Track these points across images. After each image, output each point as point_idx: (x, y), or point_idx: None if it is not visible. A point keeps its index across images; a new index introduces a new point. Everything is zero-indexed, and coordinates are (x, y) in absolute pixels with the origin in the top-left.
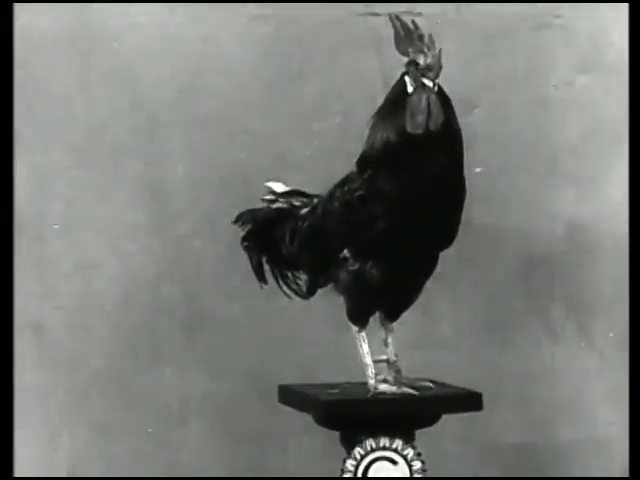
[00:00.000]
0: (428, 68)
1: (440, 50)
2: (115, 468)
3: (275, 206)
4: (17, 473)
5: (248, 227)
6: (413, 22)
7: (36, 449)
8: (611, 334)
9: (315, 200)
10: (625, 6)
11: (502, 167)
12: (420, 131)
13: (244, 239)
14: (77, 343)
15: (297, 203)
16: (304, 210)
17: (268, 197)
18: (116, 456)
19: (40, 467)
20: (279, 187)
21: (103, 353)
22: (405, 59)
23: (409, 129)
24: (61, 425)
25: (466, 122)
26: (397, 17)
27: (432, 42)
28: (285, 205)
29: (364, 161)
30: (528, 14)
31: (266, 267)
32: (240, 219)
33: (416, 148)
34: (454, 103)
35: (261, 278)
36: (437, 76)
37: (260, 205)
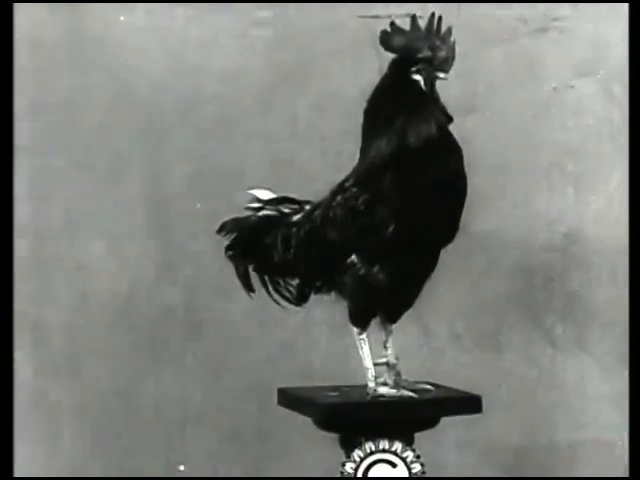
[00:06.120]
0: (445, 61)
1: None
2: (115, 468)
3: (262, 214)
4: (17, 473)
5: (233, 236)
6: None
7: (36, 449)
8: (609, 336)
9: (307, 207)
10: (625, 7)
11: (501, 170)
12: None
13: (228, 248)
14: (77, 343)
15: (286, 210)
16: (295, 217)
17: (254, 205)
18: (116, 456)
19: (40, 467)
20: (264, 194)
21: (103, 354)
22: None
23: (448, 124)
24: (61, 425)
25: (466, 125)
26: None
27: (449, 33)
28: (273, 212)
29: (370, 166)
30: (528, 16)
31: (254, 275)
32: (224, 229)
33: (421, 150)
34: (454, 105)
35: (248, 287)
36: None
37: (245, 214)
